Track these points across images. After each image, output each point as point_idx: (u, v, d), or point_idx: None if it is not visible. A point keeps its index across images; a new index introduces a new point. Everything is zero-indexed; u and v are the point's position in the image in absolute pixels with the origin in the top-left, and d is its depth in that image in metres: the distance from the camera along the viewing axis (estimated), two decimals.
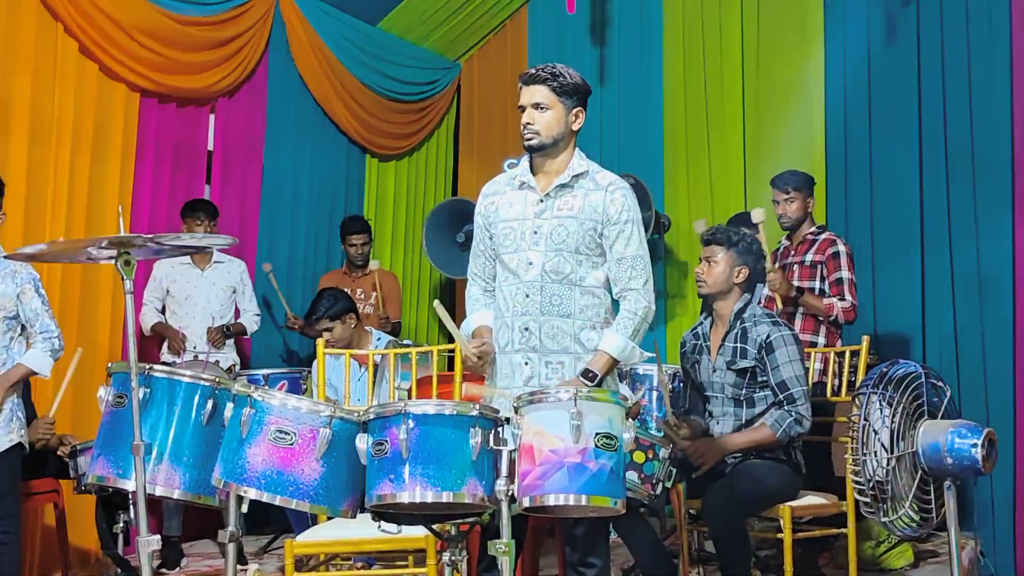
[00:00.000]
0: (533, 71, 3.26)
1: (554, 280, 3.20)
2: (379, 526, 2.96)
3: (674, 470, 3.54)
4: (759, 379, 3.90)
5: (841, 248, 4.94)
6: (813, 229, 5.11)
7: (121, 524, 4.55)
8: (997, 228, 5.46)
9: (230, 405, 2.86)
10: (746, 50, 6.66)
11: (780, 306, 4.89)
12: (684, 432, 3.90)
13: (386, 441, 2.67)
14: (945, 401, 3.46)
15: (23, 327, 4.00)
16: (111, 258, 2.84)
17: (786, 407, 3.84)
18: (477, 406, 2.71)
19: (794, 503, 3.88)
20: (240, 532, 2.93)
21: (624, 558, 4.62)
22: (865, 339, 4.22)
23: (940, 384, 3.48)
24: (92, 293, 5.28)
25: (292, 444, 2.75)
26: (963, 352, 5.57)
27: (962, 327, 5.60)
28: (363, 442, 2.72)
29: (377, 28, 7.08)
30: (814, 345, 4.77)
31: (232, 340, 5.72)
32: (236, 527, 2.88)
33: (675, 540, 4.83)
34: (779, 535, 3.87)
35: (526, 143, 3.24)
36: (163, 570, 5.02)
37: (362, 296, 6.24)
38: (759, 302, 4.66)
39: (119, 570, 4.63)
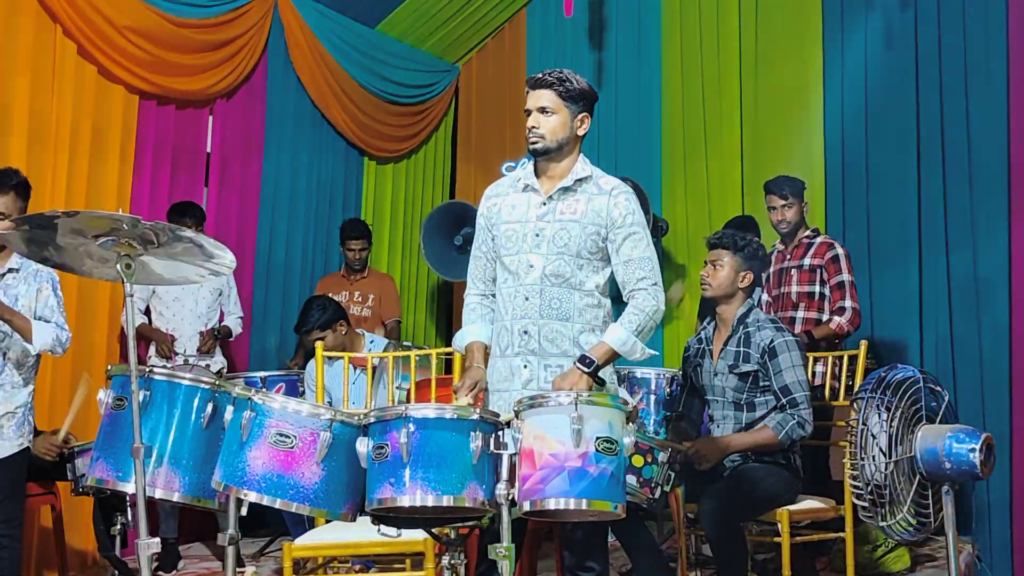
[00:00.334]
0: (540, 75, 3.26)
1: (554, 284, 3.20)
2: (379, 530, 2.95)
3: (672, 474, 3.54)
4: (761, 383, 3.91)
5: (840, 251, 4.99)
6: (808, 232, 5.14)
7: (119, 526, 4.52)
8: (993, 233, 5.48)
9: (230, 408, 2.86)
10: (744, 54, 6.67)
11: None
12: (685, 436, 3.94)
13: (387, 445, 2.67)
14: (943, 406, 3.47)
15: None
16: (110, 253, 2.83)
17: (789, 411, 3.84)
18: (478, 410, 2.71)
19: (792, 507, 3.89)
20: (239, 535, 2.94)
21: (622, 562, 4.62)
22: (863, 343, 4.24)
23: (938, 389, 3.49)
24: (89, 295, 5.28)
25: (292, 447, 2.75)
26: (959, 357, 5.59)
27: (959, 332, 5.62)
28: (363, 446, 2.72)
29: (375, 31, 7.09)
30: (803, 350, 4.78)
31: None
32: (236, 530, 2.89)
33: (673, 544, 4.84)
34: (777, 539, 3.88)
35: (531, 147, 3.24)
36: (159, 573, 5.01)
37: (360, 299, 6.23)
38: (759, 307, 4.67)
39: (116, 572, 4.61)
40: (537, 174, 3.31)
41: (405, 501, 2.63)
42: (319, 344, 4.18)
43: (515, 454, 2.65)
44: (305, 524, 4.39)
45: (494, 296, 3.36)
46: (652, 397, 4.82)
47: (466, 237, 6.71)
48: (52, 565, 4.85)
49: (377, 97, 7.08)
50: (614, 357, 3.16)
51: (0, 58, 4.88)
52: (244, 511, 2.91)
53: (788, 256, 5.14)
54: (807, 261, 5.04)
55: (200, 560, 5.39)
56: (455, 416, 2.68)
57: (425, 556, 3.40)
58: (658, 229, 6.43)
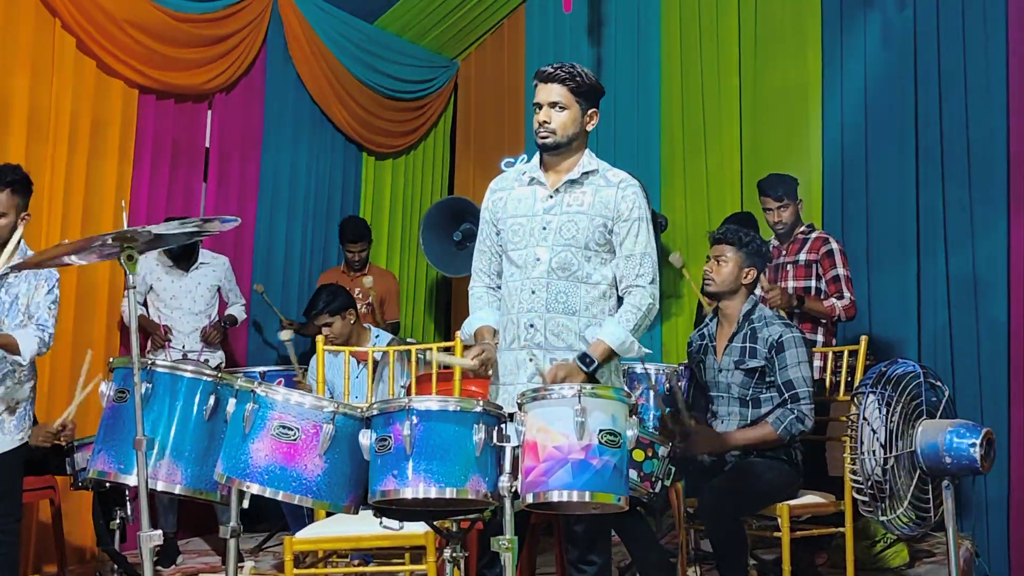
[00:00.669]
0: (551, 69, 3.25)
1: (560, 277, 3.20)
2: (381, 522, 2.95)
3: (673, 468, 3.54)
4: (767, 379, 3.91)
5: (834, 246, 5.02)
6: (803, 228, 5.18)
7: (118, 520, 4.53)
8: (992, 231, 5.49)
9: (232, 400, 2.85)
10: (743, 52, 6.67)
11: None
12: (679, 428, 3.94)
13: (390, 437, 2.66)
14: (943, 401, 3.47)
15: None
16: (114, 254, 2.84)
17: (789, 405, 3.85)
18: (481, 402, 2.71)
19: (792, 502, 3.89)
20: (241, 528, 2.94)
21: (621, 556, 4.63)
22: (863, 339, 4.24)
23: (938, 384, 3.49)
24: (89, 288, 5.28)
25: (295, 440, 2.75)
26: (958, 354, 5.60)
27: (957, 329, 5.63)
28: (366, 438, 2.71)
29: (374, 26, 7.08)
30: (814, 344, 4.81)
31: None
32: (238, 522, 2.89)
33: (672, 539, 4.84)
34: (777, 534, 3.88)
35: (541, 141, 3.24)
36: (158, 567, 5.01)
37: (360, 296, 6.24)
38: None
39: (115, 566, 4.62)
40: (543, 168, 3.31)
41: (408, 493, 2.63)
42: (319, 338, 4.17)
43: (518, 446, 2.65)
44: (305, 518, 4.39)
45: (499, 288, 3.36)
46: (652, 392, 4.83)
47: (465, 233, 6.71)
48: (51, 559, 4.86)
49: (376, 92, 7.08)
50: (612, 356, 3.17)
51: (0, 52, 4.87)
52: (246, 504, 2.92)
53: (784, 252, 5.16)
54: (803, 256, 5.07)
55: (199, 555, 5.40)
56: (458, 408, 2.68)
57: (426, 549, 3.40)
58: (657, 225, 6.42)
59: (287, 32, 6.44)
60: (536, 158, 3.34)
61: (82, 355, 5.09)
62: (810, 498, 3.99)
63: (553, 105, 3.22)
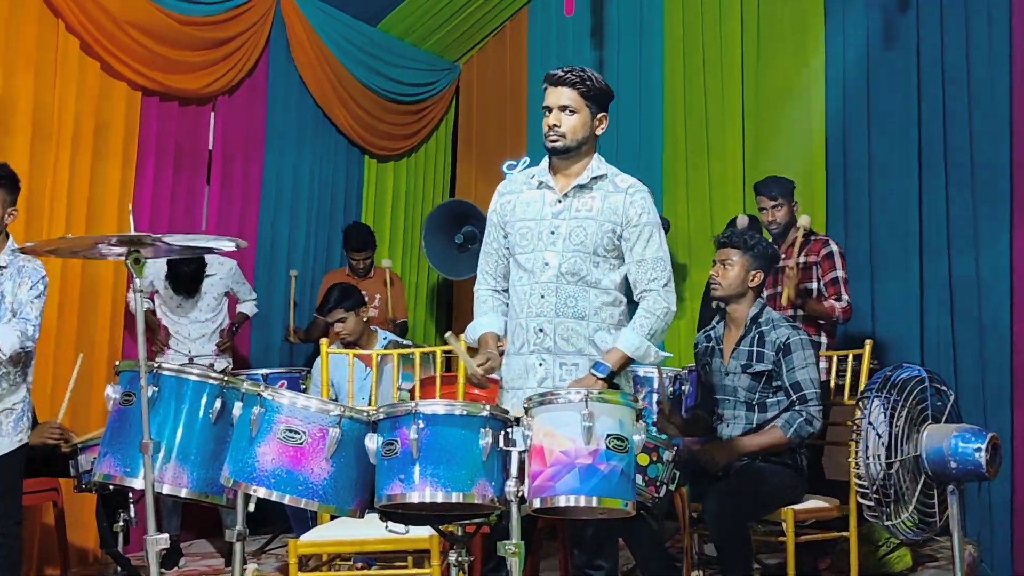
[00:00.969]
0: (561, 73, 3.24)
1: (569, 281, 3.20)
2: (387, 526, 2.95)
3: (678, 473, 3.54)
4: (774, 383, 3.91)
5: (834, 248, 5.04)
6: (802, 233, 5.16)
7: (121, 523, 4.52)
8: (995, 235, 5.49)
9: (239, 404, 2.84)
10: (746, 54, 6.67)
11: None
12: (676, 421, 3.94)
13: (396, 441, 2.66)
14: (948, 405, 3.48)
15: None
16: (121, 255, 2.84)
17: (797, 407, 3.85)
18: (487, 406, 2.71)
19: (797, 506, 3.89)
20: (247, 531, 2.93)
21: (625, 560, 4.62)
22: (868, 343, 4.24)
23: (943, 388, 3.50)
24: (93, 290, 5.27)
25: (302, 443, 2.74)
26: (961, 358, 5.61)
27: (960, 333, 5.63)
28: (373, 442, 2.71)
29: (377, 29, 7.09)
30: (818, 347, 4.81)
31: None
32: (244, 526, 2.88)
33: (675, 543, 4.84)
34: (781, 539, 3.88)
35: (550, 144, 3.23)
36: (161, 570, 4.99)
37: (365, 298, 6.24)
38: None
39: (118, 568, 4.61)
40: (552, 172, 3.31)
41: (415, 497, 2.62)
42: (324, 340, 4.17)
43: (525, 451, 2.64)
44: (308, 521, 4.39)
45: (505, 291, 3.36)
46: (654, 396, 4.83)
47: (467, 235, 6.71)
48: (54, 561, 4.85)
49: (378, 95, 7.08)
50: (628, 363, 3.18)
51: (3, 53, 4.87)
52: (252, 507, 2.91)
53: (783, 255, 5.16)
54: (801, 259, 5.07)
55: (202, 557, 5.39)
56: (465, 412, 2.68)
57: (431, 553, 3.40)
58: None
59: (290, 35, 6.45)
60: (545, 162, 3.33)
61: (86, 351, 5.11)
62: (814, 502, 3.99)
63: (563, 109, 3.21)
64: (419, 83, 7.42)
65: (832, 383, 4.39)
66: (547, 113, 3.25)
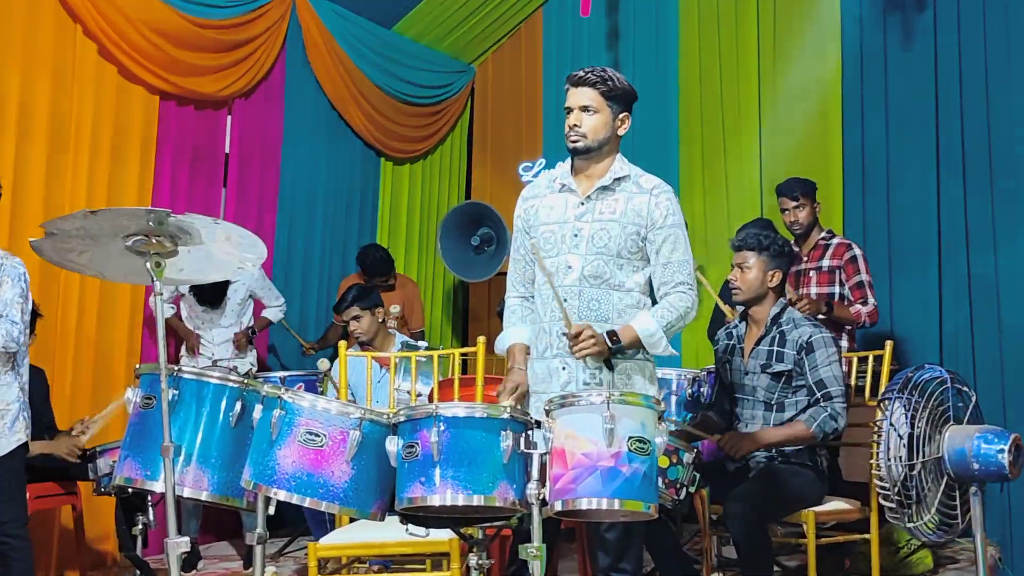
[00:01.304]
0: (582, 73, 3.23)
1: (592, 285, 3.18)
2: (407, 529, 2.94)
3: (698, 475, 3.52)
4: (794, 383, 3.89)
5: (857, 252, 5.02)
6: (824, 234, 5.17)
7: (140, 526, 4.53)
8: (1013, 235, 5.46)
9: (259, 407, 2.85)
10: (762, 55, 6.65)
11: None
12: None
13: (417, 444, 2.65)
14: (970, 406, 3.45)
15: None
16: (141, 253, 2.81)
17: (822, 403, 3.83)
18: (508, 409, 2.70)
19: (818, 508, 3.86)
20: (267, 534, 2.93)
21: (643, 562, 4.60)
22: (888, 344, 4.21)
23: (965, 389, 3.47)
24: (111, 290, 5.28)
25: (322, 446, 2.74)
26: (979, 359, 5.57)
27: (979, 334, 5.60)
28: (393, 444, 2.70)
29: (392, 31, 7.10)
30: (839, 350, 4.79)
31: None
32: (264, 529, 2.88)
33: (693, 545, 4.83)
34: (802, 540, 3.85)
35: (571, 145, 3.22)
36: (180, 572, 5.00)
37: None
38: None
39: (137, 571, 4.61)
40: (574, 173, 3.29)
41: (436, 500, 2.61)
42: (342, 344, 4.16)
43: (546, 453, 2.63)
44: (326, 523, 4.39)
45: (533, 298, 3.34)
46: (674, 398, 4.81)
47: (483, 237, 6.71)
48: (73, 565, 4.87)
49: (393, 98, 7.09)
50: (637, 344, 3.15)
51: (21, 58, 4.89)
52: (272, 510, 2.91)
53: (806, 258, 5.15)
54: (825, 263, 5.06)
55: (220, 560, 5.40)
56: (485, 415, 2.67)
57: (451, 556, 3.39)
58: None
59: (306, 38, 6.46)
60: (568, 163, 3.32)
61: (105, 356, 5.12)
62: (835, 504, 3.96)
63: (584, 109, 3.20)
64: (434, 85, 7.42)
65: (852, 384, 4.37)
66: (568, 114, 3.23)
